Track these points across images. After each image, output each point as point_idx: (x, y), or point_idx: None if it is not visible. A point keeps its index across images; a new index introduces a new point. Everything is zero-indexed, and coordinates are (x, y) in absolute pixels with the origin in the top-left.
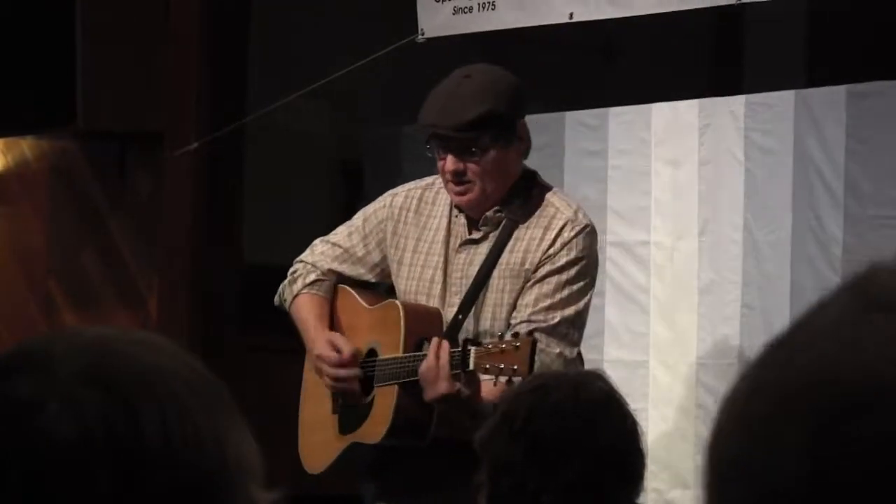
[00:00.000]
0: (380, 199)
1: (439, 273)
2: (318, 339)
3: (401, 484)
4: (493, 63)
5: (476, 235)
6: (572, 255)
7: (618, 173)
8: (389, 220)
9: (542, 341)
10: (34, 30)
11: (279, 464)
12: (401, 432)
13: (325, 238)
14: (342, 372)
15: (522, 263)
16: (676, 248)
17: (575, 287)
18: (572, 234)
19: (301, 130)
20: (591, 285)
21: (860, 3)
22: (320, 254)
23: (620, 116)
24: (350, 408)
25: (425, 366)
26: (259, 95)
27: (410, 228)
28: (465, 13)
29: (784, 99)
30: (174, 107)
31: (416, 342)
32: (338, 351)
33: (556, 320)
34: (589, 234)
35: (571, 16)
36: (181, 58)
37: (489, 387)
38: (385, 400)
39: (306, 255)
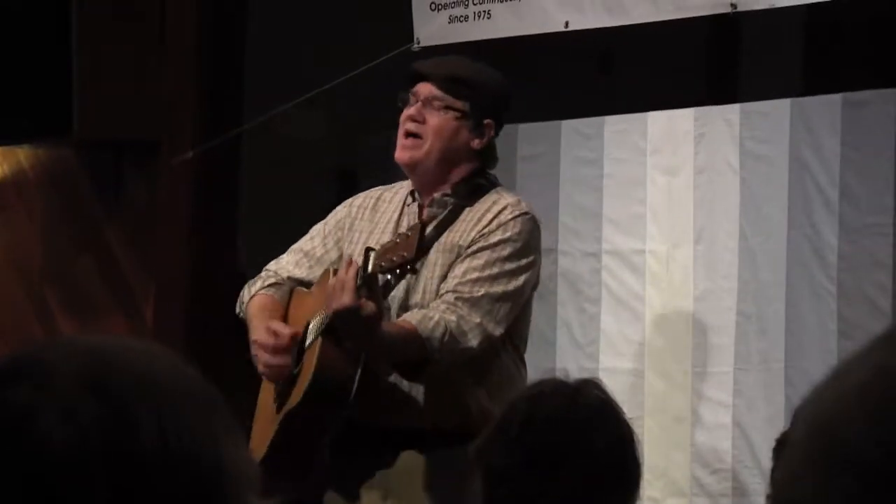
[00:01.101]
0: (343, 202)
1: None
2: (258, 327)
3: (353, 473)
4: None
5: (423, 218)
6: (507, 234)
7: (613, 182)
8: (347, 218)
9: (463, 309)
10: (30, 38)
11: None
12: (324, 387)
13: (292, 247)
14: (275, 359)
15: (458, 240)
16: (672, 257)
17: (506, 267)
18: (509, 216)
19: (297, 139)
20: (525, 272)
21: (856, 11)
22: (284, 262)
23: (616, 125)
24: (286, 386)
25: (332, 280)
26: (255, 104)
27: (365, 224)
28: (461, 22)
29: (779, 107)
30: (170, 115)
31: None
32: (276, 335)
33: (481, 293)
34: (528, 222)
35: (567, 24)
36: (177, 66)
37: (396, 325)
38: (310, 358)
39: (271, 265)
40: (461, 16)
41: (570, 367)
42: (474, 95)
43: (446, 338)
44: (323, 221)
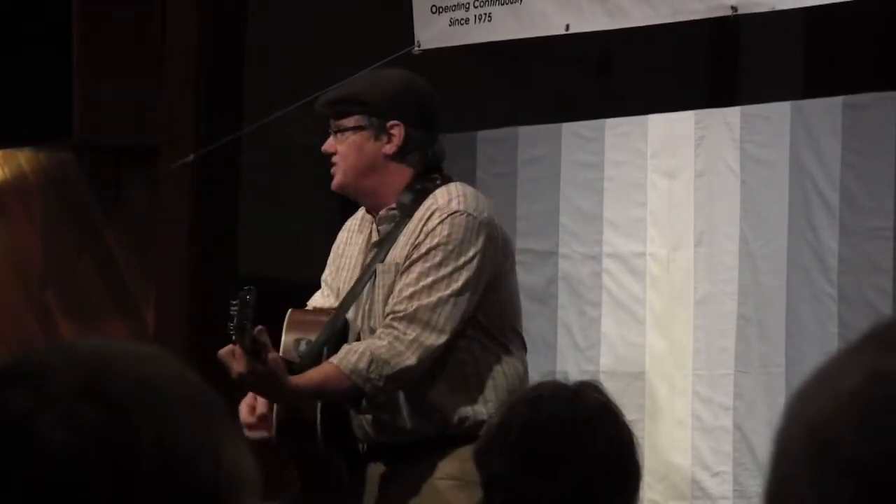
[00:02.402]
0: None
1: (355, 275)
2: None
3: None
4: (486, 74)
5: (378, 237)
6: (434, 241)
7: (614, 185)
8: (341, 244)
9: (399, 328)
10: (30, 42)
11: (275, 477)
12: (290, 432)
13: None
14: (252, 434)
15: (396, 259)
16: (672, 260)
17: (441, 272)
18: (437, 221)
19: (297, 143)
20: (463, 270)
21: (856, 14)
22: (317, 294)
23: (616, 128)
24: None
25: (222, 351)
26: (255, 108)
27: (352, 248)
28: (461, 25)
29: (780, 110)
30: (170, 119)
31: (294, 343)
32: (252, 409)
33: (414, 307)
34: (457, 219)
35: (567, 27)
36: (178, 70)
37: (313, 374)
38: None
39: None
40: (462, 19)
41: (571, 370)
42: (360, 108)
43: (372, 366)
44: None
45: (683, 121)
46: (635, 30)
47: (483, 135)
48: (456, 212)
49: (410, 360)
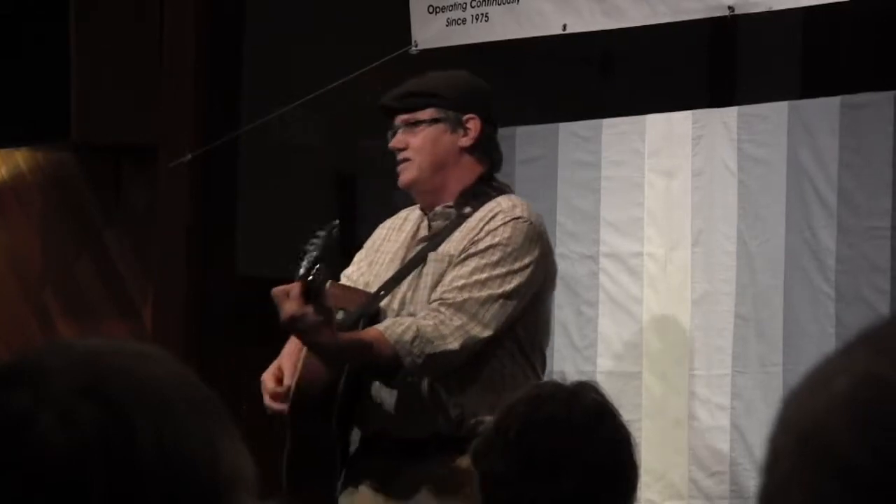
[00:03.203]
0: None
1: (392, 269)
2: (273, 364)
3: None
4: (485, 74)
5: (431, 232)
6: (495, 240)
7: (611, 184)
8: (377, 240)
9: (445, 313)
10: (29, 42)
11: (274, 476)
12: (306, 398)
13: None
14: (273, 405)
15: (450, 251)
16: (670, 260)
17: (496, 271)
18: (500, 222)
19: (295, 142)
20: (517, 274)
21: (853, 14)
22: None
23: (614, 127)
24: None
25: (276, 290)
26: (253, 107)
27: (391, 244)
28: (459, 24)
29: (777, 110)
30: (169, 119)
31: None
32: (279, 381)
33: (464, 297)
34: (521, 226)
35: (565, 27)
36: (176, 70)
37: (360, 333)
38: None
39: None
40: (459, 19)
41: (568, 369)
42: (438, 100)
43: (416, 341)
44: (363, 247)
45: (681, 120)
46: (633, 29)
47: None
48: (519, 217)
49: (453, 344)
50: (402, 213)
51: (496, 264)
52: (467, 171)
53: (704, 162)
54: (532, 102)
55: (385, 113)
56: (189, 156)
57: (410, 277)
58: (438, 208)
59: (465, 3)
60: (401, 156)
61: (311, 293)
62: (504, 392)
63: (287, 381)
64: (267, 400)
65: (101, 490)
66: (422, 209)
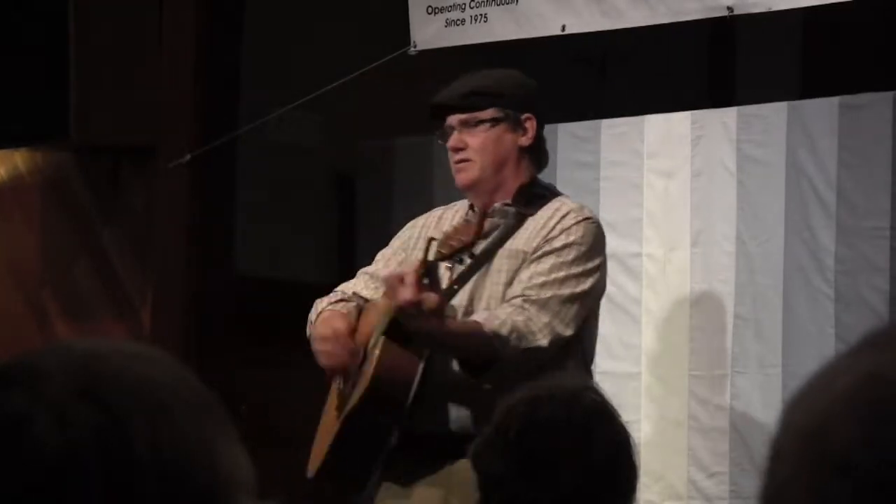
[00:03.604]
0: (406, 225)
1: (445, 267)
2: (330, 321)
3: (401, 475)
4: None
5: (485, 229)
6: (570, 238)
7: (610, 185)
8: (411, 239)
9: (531, 310)
10: (28, 43)
11: (272, 476)
12: (383, 388)
13: (359, 271)
14: (336, 347)
15: (521, 247)
16: (669, 260)
17: (572, 270)
18: (572, 221)
19: (294, 143)
20: (591, 275)
21: (853, 14)
22: (352, 283)
23: (613, 128)
24: (349, 390)
25: (390, 275)
26: (252, 108)
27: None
28: (458, 25)
29: (777, 110)
30: (167, 120)
31: None
32: (335, 330)
33: (549, 295)
34: (592, 226)
35: (564, 28)
36: (174, 70)
37: (462, 324)
38: (370, 360)
39: (340, 286)
40: (458, 19)
41: None
42: (498, 99)
43: (513, 335)
44: (388, 246)
45: (680, 121)
46: (632, 30)
47: None
48: (590, 218)
49: (543, 341)
50: (436, 212)
51: (572, 263)
52: (523, 171)
53: (703, 162)
54: None
55: (435, 111)
56: (188, 156)
57: (478, 273)
58: (497, 205)
59: (465, 4)
60: (459, 156)
61: (429, 275)
62: None
63: (345, 329)
64: (329, 346)
65: (98, 491)
66: (471, 206)
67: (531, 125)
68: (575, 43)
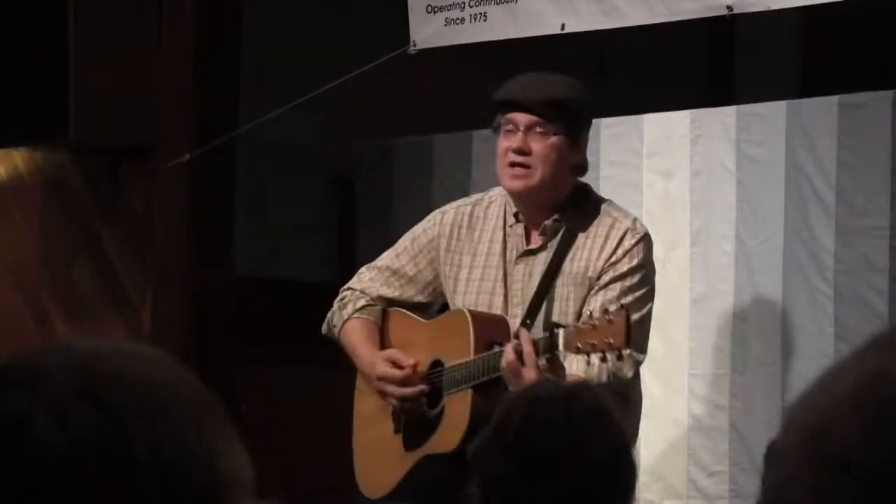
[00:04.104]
0: (427, 218)
1: (499, 285)
2: (376, 361)
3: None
4: (483, 72)
5: (534, 245)
6: (634, 262)
7: (609, 184)
8: (441, 238)
9: None
10: (27, 42)
11: (272, 476)
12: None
13: (371, 264)
14: (408, 390)
15: (585, 271)
16: (668, 259)
17: (638, 294)
18: (633, 241)
19: (293, 143)
20: (651, 294)
21: (852, 13)
22: (368, 280)
23: (612, 128)
24: (415, 423)
25: (508, 357)
26: (251, 108)
27: (465, 244)
28: (457, 24)
29: (776, 110)
30: (167, 119)
31: (485, 346)
32: (399, 367)
33: None
34: (647, 244)
35: (563, 27)
36: (174, 70)
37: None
38: (458, 406)
39: (354, 283)
40: (457, 18)
41: None
42: (570, 115)
43: (612, 380)
44: (409, 238)
45: (679, 120)
46: (631, 29)
47: (478, 134)
48: (645, 233)
49: (628, 373)
50: (464, 208)
51: (637, 286)
52: (568, 188)
53: (703, 162)
54: None
55: (503, 105)
56: (187, 156)
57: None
58: (547, 223)
59: (464, 3)
60: (521, 160)
61: (552, 362)
62: (622, 401)
63: (409, 361)
64: (397, 389)
65: (97, 492)
66: (515, 214)
67: (584, 144)
68: (574, 42)
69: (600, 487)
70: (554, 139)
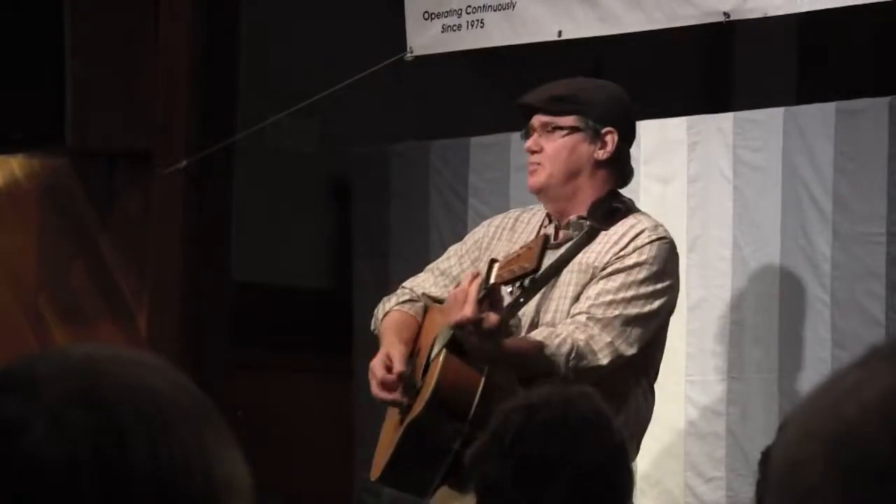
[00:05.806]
0: (482, 223)
1: None
2: (380, 352)
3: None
4: (479, 79)
5: (558, 240)
6: (642, 258)
7: None
8: (485, 238)
9: (594, 329)
10: (23, 49)
11: (269, 481)
12: (443, 403)
13: (429, 266)
14: (382, 394)
15: (593, 261)
16: None
17: (641, 290)
18: (646, 240)
19: (289, 149)
20: (660, 296)
21: (849, 20)
22: (421, 280)
23: None
24: (411, 399)
25: (454, 291)
26: (248, 114)
27: (504, 243)
28: (454, 31)
29: (773, 116)
30: (163, 125)
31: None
32: (388, 369)
33: (614, 314)
34: (665, 246)
35: (560, 34)
36: (170, 76)
37: (521, 342)
38: (433, 371)
39: (407, 282)
40: (454, 25)
41: None
42: (582, 108)
43: (572, 355)
44: (461, 241)
45: (676, 126)
46: (628, 35)
47: (476, 140)
48: (664, 237)
49: (602, 360)
50: (513, 213)
51: (641, 283)
52: (600, 184)
53: (700, 168)
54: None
55: (522, 110)
56: (184, 162)
57: (547, 285)
58: (572, 218)
59: (461, 10)
60: (533, 158)
61: (490, 297)
62: (618, 411)
63: (398, 367)
64: (376, 388)
65: (94, 498)
66: (548, 214)
67: (611, 139)
68: (571, 48)
69: (597, 493)
70: (562, 134)
